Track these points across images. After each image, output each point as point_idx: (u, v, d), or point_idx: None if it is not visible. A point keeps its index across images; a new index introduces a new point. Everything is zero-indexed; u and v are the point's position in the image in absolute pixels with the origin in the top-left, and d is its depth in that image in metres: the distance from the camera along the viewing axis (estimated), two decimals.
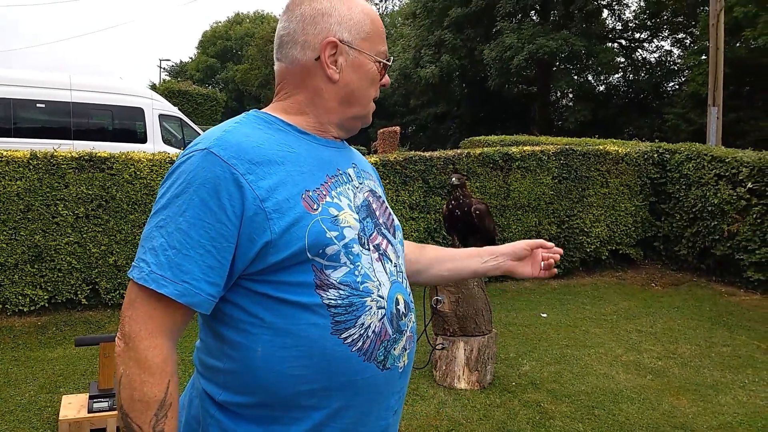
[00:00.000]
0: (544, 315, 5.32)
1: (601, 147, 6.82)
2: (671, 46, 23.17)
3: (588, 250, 6.61)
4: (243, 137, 1.00)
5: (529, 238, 1.84)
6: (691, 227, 6.53)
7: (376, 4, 30.85)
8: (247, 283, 0.98)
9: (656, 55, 23.88)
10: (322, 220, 0.98)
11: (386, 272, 1.07)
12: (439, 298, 3.73)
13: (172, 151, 8.99)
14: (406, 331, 1.09)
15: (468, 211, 3.82)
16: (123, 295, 4.37)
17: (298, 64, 1.09)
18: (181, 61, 48.81)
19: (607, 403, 3.54)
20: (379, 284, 1.04)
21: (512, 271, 1.35)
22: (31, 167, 4.84)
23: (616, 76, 23.84)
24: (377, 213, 1.12)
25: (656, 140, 8.04)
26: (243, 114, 1.10)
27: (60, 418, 3.03)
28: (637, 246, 6.92)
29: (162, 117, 10.51)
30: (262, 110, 1.12)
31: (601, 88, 23.99)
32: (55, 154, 4.95)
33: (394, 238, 1.15)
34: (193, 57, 49.38)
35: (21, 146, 6.07)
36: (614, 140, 9.38)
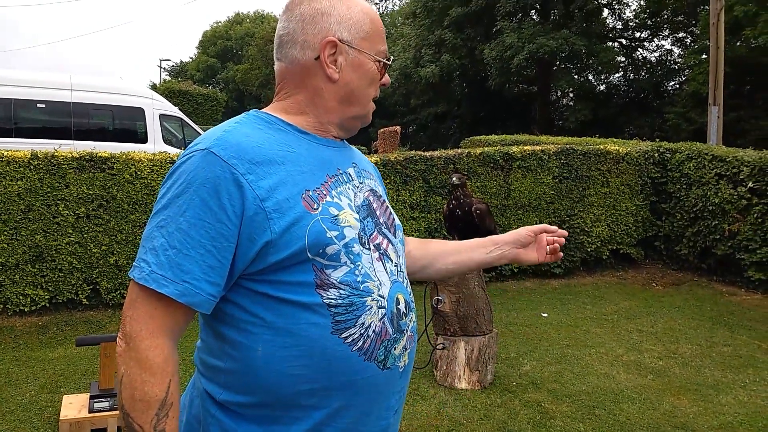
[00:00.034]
0: (545, 315, 5.32)
1: (601, 146, 6.82)
2: (672, 45, 23.18)
3: (589, 249, 6.61)
4: (243, 137, 1.00)
5: None
6: (692, 227, 6.52)
7: (376, 3, 30.86)
8: (248, 282, 0.98)
9: (657, 54, 23.91)
10: (323, 219, 0.98)
11: (387, 272, 1.07)
12: (440, 298, 3.73)
13: (173, 151, 8.99)
14: (407, 331, 1.09)
15: (469, 210, 3.82)
16: (124, 295, 4.37)
17: (298, 63, 1.09)
18: (181, 61, 48.88)
19: (607, 403, 3.54)
20: (380, 284, 1.04)
21: (517, 258, 1.34)
22: (32, 167, 4.85)
23: (617, 75, 23.85)
24: (378, 212, 1.12)
25: (657, 140, 8.04)
26: (243, 114, 1.10)
27: (61, 418, 3.03)
28: (637, 246, 6.92)
29: (162, 117, 10.52)
30: (262, 110, 1.12)
31: (602, 87, 24.00)
32: (56, 154, 4.95)
33: (395, 237, 1.15)
34: (194, 57, 49.42)
35: (22, 146, 6.07)
36: (615, 140, 9.38)
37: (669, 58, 23.09)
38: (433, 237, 5.97)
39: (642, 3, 22.15)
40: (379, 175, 1.27)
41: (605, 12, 22.77)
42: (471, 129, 21.37)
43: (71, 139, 9.02)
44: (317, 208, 0.99)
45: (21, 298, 4.82)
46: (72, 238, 4.93)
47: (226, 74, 43.54)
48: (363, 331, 1.00)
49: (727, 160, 6.14)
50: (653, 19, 22.35)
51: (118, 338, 0.95)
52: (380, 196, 1.17)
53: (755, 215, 5.78)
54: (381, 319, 1.03)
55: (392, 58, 1.39)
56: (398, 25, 33.37)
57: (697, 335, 4.80)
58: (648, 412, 3.43)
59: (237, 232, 0.95)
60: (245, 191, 0.94)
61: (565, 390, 3.71)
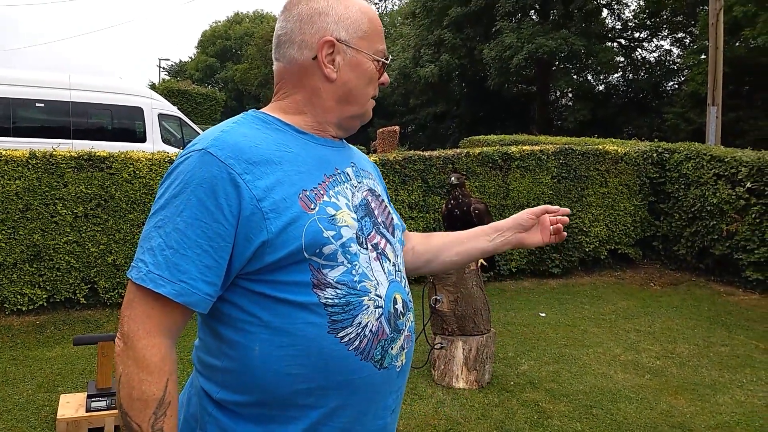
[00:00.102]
0: (543, 314, 5.33)
1: (600, 146, 6.82)
2: (671, 45, 23.19)
3: (587, 249, 6.62)
4: (240, 137, 1.00)
5: None
6: (690, 227, 6.53)
7: (376, 3, 30.83)
8: (245, 282, 0.98)
9: (656, 54, 23.91)
10: (319, 219, 0.99)
11: (384, 271, 1.07)
12: (438, 298, 3.74)
13: (172, 150, 8.98)
14: (404, 331, 1.09)
15: (467, 210, 3.82)
16: (122, 295, 4.36)
17: (296, 63, 1.09)
18: (180, 61, 48.85)
19: (605, 403, 3.55)
20: (377, 283, 1.04)
21: (521, 242, 1.32)
22: (30, 166, 4.84)
23: (616, 75, 23.86)
24: (376, 212, 1.12)
25: (655, 140, 8.05)
26: (241, 114, 1.10)
27: (58, 417, 3.03)
28: (636, 246, 6.93)
29: (161, 116, 10.51)
30: (260, 110, 1.12)
31: (601, 87, 24.01)
32: (54, 153, 4.95)
33: (393, 237, 1.15)
34: (193, 56, 49.38)
35: (20, 145, 6.06)
36: (613, 140, 9.39)
37: (668, 58, 23.12)
38: None
39: (641, 3, 22.17)
40: (379, 175, 1.27)
41: (604, 12, 22.79)
42: (470, 129, 21.38)
43: (70, 138, 9.02)
44: (314, 208, 0.99)
45: (19, 297, 4.81)
46: (70, 238, 4.92)
47: (225, 74, 43.52)
48: (360, 330, 1.00)
49: (726, 160, 6.15)
50: (652, 20, 22.37)
51: (116, 338, 0.96)
52: (379, 195, 1.17)
53: (753, 215, 5.79)
54: (378, 318, 1.03)
55: (391, 57, 1.39)
56: (397, 24, 33.38)
57: (694, 335, 4.80)
58: (645, 411, 3.44)
59: (234, 232, 0.95)
60: (242, 191, 0.94)
61: (563, 389, 3.72)
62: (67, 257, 4.91)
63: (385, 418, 1.09)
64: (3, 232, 4.75)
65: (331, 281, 0.99)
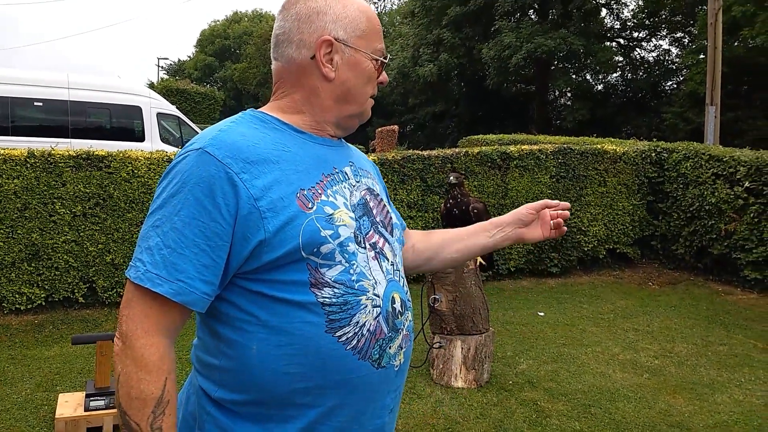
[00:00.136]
0: (542, 314, 5.33)
1: (599, 146, 6.83)
2: (669, 45, 23.21)
3: (585, 249, 6.62)
4: (238, 136, 1.00)
5: None
6: (688, 226, 6.54)
7: (375, 2, 30.81)
8: (243, 281, 0.99)
9: (654, 54, 23.93)
10: (317, 218, 0.99)
11: (382, 270, 1.07)
12: (437, 297, 3.74)
13: (170, 149, 8.97)
14: (403, 330, 1.09)
15: (466, 209, 3.82)
16: (120, 294, 4.36)
17: (294, 63, 1.09)
18: (179, 60, 48.83)
19: (603, 402, 3.55)
20: (375, 283, 1.04)
21: (521, 237, 1.31)
22: (29, 165, 4.84)
23: (615, 75, 23.87)
24: (374, 211, 1.12)
25: (654, 139, 8.05)
26: (240, 113, 1.11)
27: (56, 417, 3.03)
28: (634, 245, 6.93)
29: (160, 115, 10.50)
30: (259, 109, 1.12)
31: (600, 87, 24.01)
32: (53, 152, 4.94)
33: (392, 236, 1.15)
34: (192, 55, 49.32)
35: (18, 144, 6.06)
36: (612, 139, 9.39)
37: (667, 57, 23.13)
38: None
39: (640, 3, 22.17)
40: (378, 174, 1.27)
41: (603, 12, 22.80)
42: (469, 128, 21.39)
43: (68, 137, 9.00)
44: (312, 207, 0.99)
45: (17, 296, 4.81)
46: (68, 237, 4.92)
47: (224, 73, 43.48)
48: (357, 329, 1.00)
49: (724, 159, 6.16)
50: (651, 19, 22.38)
51: (115, 337, 0.96)
52: (378, 194, 1.17)
53: (751, 215, 5.80)
54: (376, 317, 1.03)
55: (389, 56, 1.39)
56: (396, 24, 33.37)
57: (693, 334, 4.81)
58: (644, 410, 3.44)
59: (231, 231, 0.95)
60: (239, 190, 0.94)
61: (561, 389, 3.72)
62: (65, 256, 4.91)
63: (383, 417, 1.09)
64: (1, 231, 4.74)
65: (328, 280, 0.99)
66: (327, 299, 0.98)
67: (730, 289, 6.06)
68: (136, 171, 5.11)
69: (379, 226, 1.12)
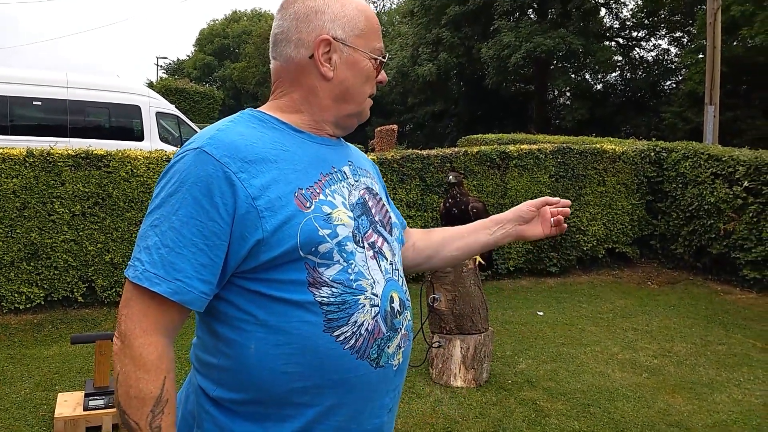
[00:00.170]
0: (541, 313, 5.33)
1: (598, 145, 6.83)
2: (668, 44, 23.22)
3: (585, 248, 6.63)
4: (236, 136, 1.00)
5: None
6: (687, 226, 6.54)
7: (374, 2, 30.82)
8: (241, 281, 0.99)
9: (653, 53, 23.95)
10: (315, 218, 0.99)
11: (381, 270, 1.07)
12: (436, 297, 3.74)
13: (169, 149, 8.97)
14: (401, 329, 1.09)
15: (465, 209, 3.82)
16: (119, 293, 4.36)
17: (293, 62, 1.09)
18: (178, 59, 48.82)
19: (602, 401, 3.55)
20: (374, 282, 1.04)
21: (522, 235, 1.31)
22: (28, 165, 4.83)
23: (614, 74, 23.88)
24: (373, 210, 1.12)
25: (653, 139, 8.07)
26: (238, 113, 1.11)
27: (55, 416, 3.03)
28: (633, 244, 6.94)
29: (159, 115, 10.49)
30: (257, 109, 1.12)
31: (599, 86, 24.02)
32: (52, 151, 4.94)
33: (391, 235, 1.15)
34: (191, 55, 49.31)
35: (17, 144, 6.06)
36: (611, 139, 9.39)
37: (666, 57, 23.15)
38: None
39: (639, 2, 22.18)
40: (378, 173, 1.27)
41: (602, 11, 22.80)
42: (468, 128, 21.38)
43: (67, 136, 9.00)
44: (310, 207, 0.99)
45: (16, 295, 4.80)
46: (67, 236, 4.91)
47: (223, 72, 43.46)
48: (355, 329, 1.00)
49: (723, 159, 6.16)
50: (650, 19, 22.39)
51: (114, 337, 0.96)
52: (377, 194, 1.17)
53: (750, 214, 5.80)
54: (374, 317, 1.03)
55: (388, 56, 1.38)
56: (395, 23, 33.36)
57: (692, 334, 4.81)
58: (643, 410, 3.45)
59: (229, 231, 0.95)
60: (237, 190, 0.94)
61: (560, 388, 3.73)
62: (64, 256, 4.91)
63: (381, 417, 1.09)
64: (0, 230, 4.74)
65: (326, 280, 0.99)
66: (325, 299, 0.98)
67: (729, 289, 6.06)
68: (135, 170, 5.11)
69: (378, 226, 1.11)
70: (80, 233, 4.95)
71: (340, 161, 1.12)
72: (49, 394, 3.54)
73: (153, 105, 10.38)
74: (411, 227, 1.39)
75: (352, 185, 1.10)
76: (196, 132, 7.42)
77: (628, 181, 6.78)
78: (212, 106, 22.29)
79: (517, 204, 1.35)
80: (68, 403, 3.13)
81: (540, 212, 1.31)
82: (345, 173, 1.10)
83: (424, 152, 6.24)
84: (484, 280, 5.08)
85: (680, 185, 6.63)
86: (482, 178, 6.27)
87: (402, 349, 1.09)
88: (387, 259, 1.10)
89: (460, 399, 3.55)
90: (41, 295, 4.88)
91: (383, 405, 1.08)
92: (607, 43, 22.88)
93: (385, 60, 1.15)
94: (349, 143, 1.24)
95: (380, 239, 1.10)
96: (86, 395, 3.09)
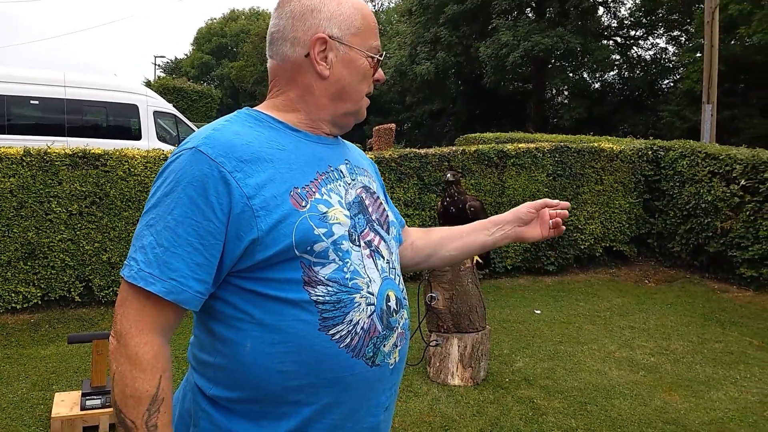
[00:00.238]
0: (538, 312, 5.34)
1: (595, 144, 6.84)
2: (666, 43, 23.29)
3: (582, 247, 6.64)
4: (232, 135, 1.00)
5: None
6: (684, 224, 6.55)
7: (373, 1, 30.80)
8: (236, 280, 0.99)
9: (651, 52, 23.99)
10: (310, 217, 0.99)
11: (377, 269, 1.07)
12: (433, 295, 3.74)
13: (167, 148, 8.96)
14: (398, 328, 1.09)
15: (463, 208, 3.82)
16: (116, 293, 4.35)
17: (289, 60, 1.09)
18: (176, 58, 48.70)
19: (599, 399, 3.56)
20: (369, 281, 1.04)
21: (521, 236, 1.31)
22: (25, 164, 4.82)
23: (612, 73, 23.91)
24: (370, 209, 1.12)
25: (651, 137, 8.08)
26: (235, 112, 1.11)
27: (52, 416, 3.02)
28: (630, 243, 6.95)
29: (156, 114, 10.48)
30: (254, 108, 1.12)
31: (597, 85, 24.06)
32: (49, 150, 4.93)
33: (388, 234, 1.15)
34: (188, 54, 49.19)
35: (14, 143, 6.04)
36: (609, 137, 9.40)
37: (663, 56, 23.19)
38: None
39: (637, 1, 22.22)
40: (376, 171, 1.27)
41: (600, 10, 22.83)
42: (466, 126, 21.41)
43: (64, 135, 8.98)
44: (305, 206, 0.99)
45: (13, 295, 4.80)
46: (65, 236, 4.91)
47: (221, 71, 43.38)
48: (351, 328, 1.00)
49: (720, 158, 6.18)
50: (648, 18, 22.43)
51: (110, 336, 0.96)
52: (374, 192, 1.17)
53: (747, 213, 5.82)
54: (370, 316, 1.03)
55: (386, 54, 1.38)
56: (394, 22, 33.34)
57: (688, 332, 4.82)
58: (639, 408, 3.45)
59: (224, 230, 0.95)
60: (232, 189, 0.94)
61: (558, 386, 3.73)
62: (61, 255, 4.90)
63: (378, 415, 1.09)
64: None
65: (322, 278, 0.99)
66: (320, 297, 0.98)
67: (726, 287, 6.07)
68: (132, 169, 5.10)
69: (375, 224, 1.11)
70: (77, 233, 4.95)
71: (337, 160, 1.12)
72: (46, 393, 3.54)
73: (150, 104, 10.37)
74: (409, 226, 1.39)
75: (349, 184, 1.10)
76: (194, 131, 7.42)
77: (625, 180, 6.79)
78: (210, 105, 22.26)
79: (514, 202, 1.36)
80: (65, 403, 3.13)
81: (539, 214, 1.31)
82: (342, 172, 1.10)
83: (422, 151, 6.25)
84: (481, 279, 5.08)
85: (677, 184, 6.64)
86: (480, 177, 6.27)
87: (398, 348, 1.09)
88: (384, 258, 1.10)
89: (457, 397, 3.55)
90: (38, 294, 4.87)
91: (379, 404, 1.08)
92: (605, 42, 22.91)
93: (381, 58, 1.15)
94: (347, 141, 1.24)
95: (377, 238, 1.10)
96: (83, 395, 3.09)
